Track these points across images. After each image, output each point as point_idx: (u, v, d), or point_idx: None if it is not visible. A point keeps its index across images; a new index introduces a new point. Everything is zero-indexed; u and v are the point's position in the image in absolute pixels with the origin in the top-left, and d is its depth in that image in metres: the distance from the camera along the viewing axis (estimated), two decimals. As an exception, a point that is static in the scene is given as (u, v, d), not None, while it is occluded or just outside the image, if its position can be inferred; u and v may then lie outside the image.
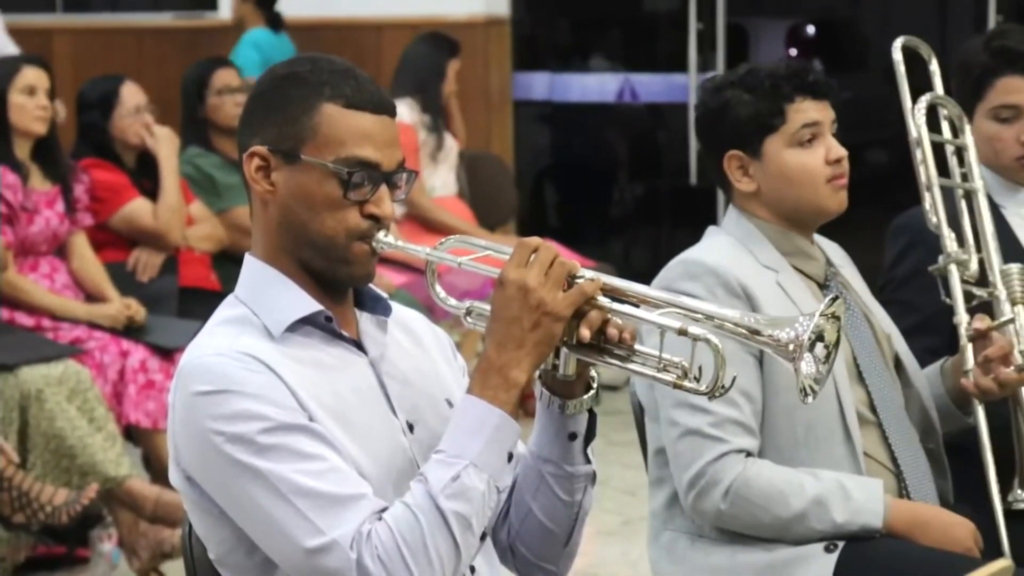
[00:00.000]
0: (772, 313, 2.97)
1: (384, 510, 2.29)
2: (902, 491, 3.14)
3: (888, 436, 3.16)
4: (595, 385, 2.44)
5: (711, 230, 3.26)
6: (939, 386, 3.35)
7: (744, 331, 2.33)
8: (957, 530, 3.06)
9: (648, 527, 3.28)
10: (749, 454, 3.05)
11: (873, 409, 3.16)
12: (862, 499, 3.03)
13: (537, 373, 2.38)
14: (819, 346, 2.34)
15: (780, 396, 3.06)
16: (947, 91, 3.70)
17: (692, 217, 3.40)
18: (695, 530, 3.13)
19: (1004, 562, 2.10)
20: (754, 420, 3.05)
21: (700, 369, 2.32)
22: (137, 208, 5.78)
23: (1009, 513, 3.27)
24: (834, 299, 2.37)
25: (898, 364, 3.28)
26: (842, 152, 3.15)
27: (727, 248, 3.16)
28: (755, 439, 3.06)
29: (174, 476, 2.40)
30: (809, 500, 3.02)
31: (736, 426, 3.03)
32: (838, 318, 2.36)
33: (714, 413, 3.02)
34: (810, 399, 2.35)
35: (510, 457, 2.31)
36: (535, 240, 2.35)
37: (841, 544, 3.02)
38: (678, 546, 3.15)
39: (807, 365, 2.32)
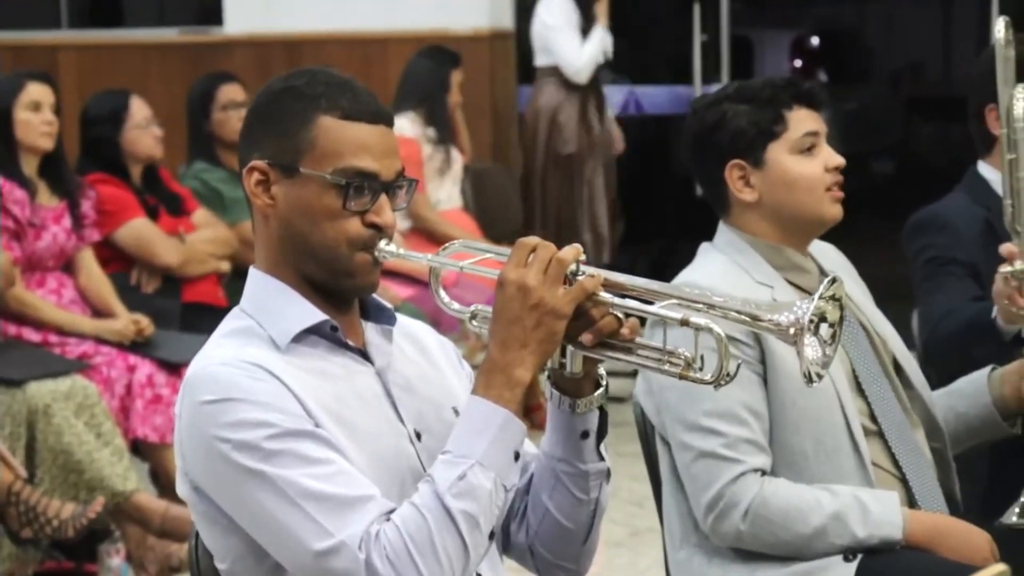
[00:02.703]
0: None
1: (392, 511, 2.29)
2: (910, 499, 3.14)
3: (891, 445, 3.16)
4: (604, 383, 2.44)
5: (704, 248, 3.25)
6: (984, 395, 3.35)
7: (746, 317, 2.33)
8: (976, 539, 3.06)
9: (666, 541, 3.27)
10: (764, 473, 3.05)
11: (874, 419, 3.16)
12: (880, 512, 3.03)
13: (546, 372, 2.39)
14: (824, 327, 2.33)
15: (787, 411, 3.06)
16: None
17: (698, 228, 3.39)
18: (711, 548, 3.12)
19: (1000, 567, 2.10)
20: (764, 438, 3.05)
21: (702, 359, 2.32)
22: (139, 227, 5.78)
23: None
24: (832, 280, 2.36)
25: (897, 367, 3.27)
26: (840, 160, 3.16)
27: (721, 268, 3.16)
28: (768, 456, 3.06)
29: (181, 487, 2.41)
30: (827, 516, 3.01)
31: (749, 445, 3.03)
32: (838, 299, 2.35)
33: (726, 434, 3.02)
34: (815, 384, 2.34)
35: (517, 456, 2.31)
36: (533, 239, 2.35)
37: (860, 553, 3.02)
38: (694, 563, 3.14)
39: (812, 350, 2.32)
